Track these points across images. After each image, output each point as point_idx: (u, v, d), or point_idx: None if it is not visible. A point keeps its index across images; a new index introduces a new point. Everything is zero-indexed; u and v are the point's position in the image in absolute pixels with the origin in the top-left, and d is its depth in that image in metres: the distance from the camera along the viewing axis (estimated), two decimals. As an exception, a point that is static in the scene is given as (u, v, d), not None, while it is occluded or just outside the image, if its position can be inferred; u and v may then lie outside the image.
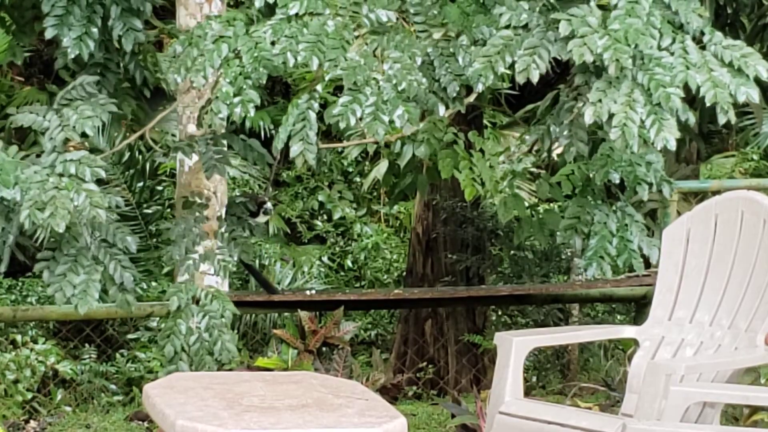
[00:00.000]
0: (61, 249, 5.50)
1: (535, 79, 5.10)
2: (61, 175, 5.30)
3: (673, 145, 5.00)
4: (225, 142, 6.09)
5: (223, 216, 6.35)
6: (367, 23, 5.30)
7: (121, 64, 5.94)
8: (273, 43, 5.20)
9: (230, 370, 7.42)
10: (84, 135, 5.42)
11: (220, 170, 5.97)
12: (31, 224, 5.17)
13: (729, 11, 7.92)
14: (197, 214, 6.06)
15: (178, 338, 5.79)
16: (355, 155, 13.79)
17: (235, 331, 9.54)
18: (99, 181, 5.45)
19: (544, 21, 5.18)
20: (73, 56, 5.57)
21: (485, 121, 12.02)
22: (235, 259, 6.07)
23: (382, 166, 11.52)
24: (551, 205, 10.90)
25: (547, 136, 5.57)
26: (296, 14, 5.26)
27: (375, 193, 14.72)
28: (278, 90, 14.30)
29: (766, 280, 5.04)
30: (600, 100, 5.02)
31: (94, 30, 5.56)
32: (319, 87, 5.28)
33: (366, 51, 5.21)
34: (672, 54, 5.10)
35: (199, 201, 6.22)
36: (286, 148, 5.21)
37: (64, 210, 5.15)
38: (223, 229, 6.12)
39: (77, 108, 5.43)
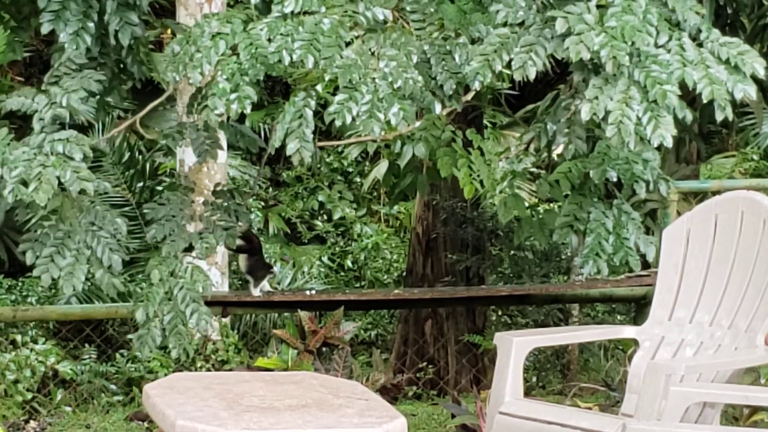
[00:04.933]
0: (48, 232, 5.51)
1: (531, 77, 5.10)
2: (48, 154, 5.31)
3: (669, 143, 5.00)
4: (216, 128, 6.09)
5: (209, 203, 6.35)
6: (363, 21, 5.30)
7: (117, 59, 5.93)
8: (269, 41, 5.20)
9: (230, 370, 7.43)
10: (77, 127, 5.42)
11: (212, 155, 5.97)
12: (14, 198, 5.18)
13: (729, 11, 7.91)
14: (184, 197, 6.06)
15: (152, 305, 5.77)
16: (355, 155, 13.79)
17: (235, 331, 9.55)
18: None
19: (541, 18, 5.18)
20: (70, 51, 5.56)
21: (485, 121, 12.02)
22: (219, 244, 6.06)
23: (382, 166, 11.52)
24: (551, 205, 10.90)
25: (544, 134, 5.57)
26: (292, 12, 5.27)
27: (375, 193, 14.72)
28: (278, 90, 14.30)
29: (766, 280, 5.03)
30: (596, 98, 5.03)
31: (91, 25, 5.55)
32: (319, 87, 5.28)
33: (362, 49, 5.21)
34: (669, 51, 5.10)
35: (185, 185, 6.22)
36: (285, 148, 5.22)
37: (48, 185, 5.16)
38: (208, 214, 6.10)
39: (64, 84, 5.44)
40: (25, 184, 5.20)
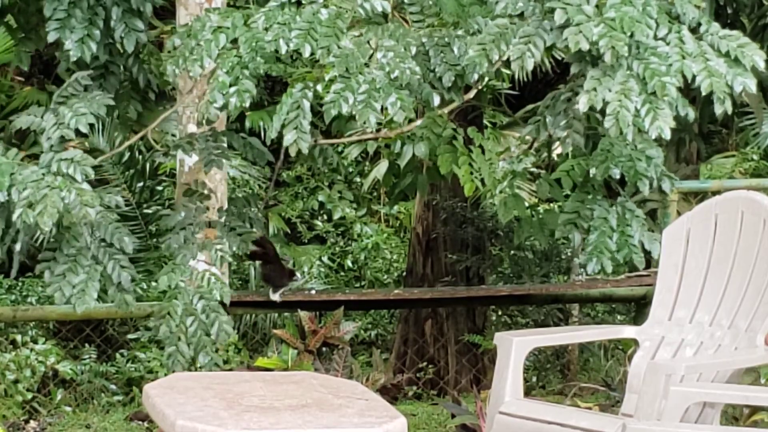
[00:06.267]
0: (61, 249, 5.51)
1: (530, 68, 5.08)
2: (56, 174, 5.31)
3: (667, 134, 4.98)
4: (225, 138, 6.09)
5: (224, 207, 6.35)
6: (361, 12, 5.29)
7: (124, 66, 5.95)
8: (267, 30, 5.20)
9: (230, 370, 7.42)
10: (79, 133, 5.43)
11: (218, 164, 5.97)
12: (23, 223, 5.18)
13: (729, 11, 7.91)
14: (198, 204, 6.06)
15: (173, 319, 5.77)
16: (355, 155, 13.79)
17: (235, 331, 9.56)
18: (100, 181, 5.46)
19: (540, 10, 5.17)
20: (75, 58, 5.58)
21: (485, 121, 12.01)
22: (234, 250, 6.06)
23: (382, 166, 11.51)
24: (551, 205, 10.90)
25: (543, 127, 5.55)
26: (289, 1, 5.27)
27: (375, 193, 14.71)
28: (278, 90, 14.30)
29: (766, 280, 5.03)
30: (595, 89, 5.01)
31: (96, 32, 5.58)
32: (319, 87, 5.28)
33: (359, 40, 5.21)
34: (668, 44, 5.09)
35: (201, 191, 6.22)
36: (285, 148, 5.21)
37: (53, 209, 5.15)
38: (223, 219, 6.10)
39: (72, 105, 5.45)
40: (31, 206, 5.20)
